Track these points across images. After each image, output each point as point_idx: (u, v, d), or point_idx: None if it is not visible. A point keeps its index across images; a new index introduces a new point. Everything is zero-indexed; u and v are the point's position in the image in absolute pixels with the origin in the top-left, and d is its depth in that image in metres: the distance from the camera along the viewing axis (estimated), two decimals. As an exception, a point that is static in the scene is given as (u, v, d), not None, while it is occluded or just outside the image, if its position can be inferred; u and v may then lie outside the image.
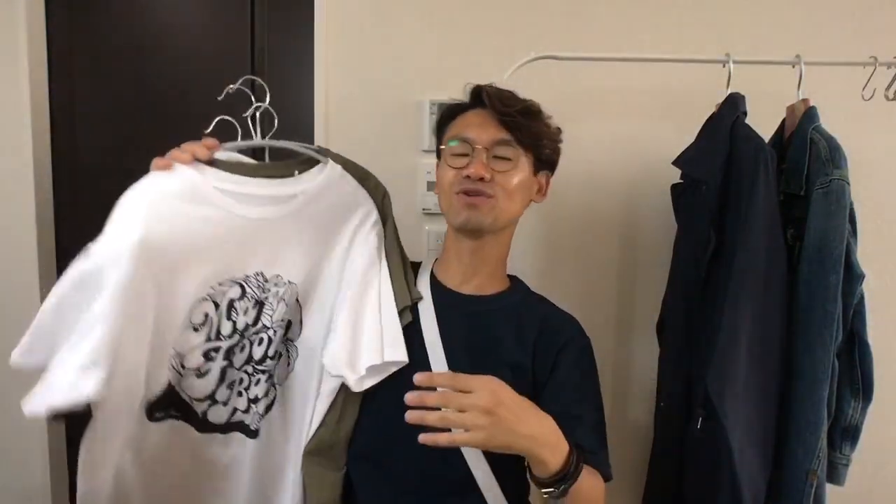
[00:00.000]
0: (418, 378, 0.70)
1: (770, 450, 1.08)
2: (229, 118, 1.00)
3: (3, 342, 1.54)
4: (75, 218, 1.62)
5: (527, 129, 0.90)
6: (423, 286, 0.98)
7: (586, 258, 1.42)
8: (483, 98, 0.92)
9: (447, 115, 0.98)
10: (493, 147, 0.89)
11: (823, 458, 1.07)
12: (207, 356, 0.87)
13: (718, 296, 1.08)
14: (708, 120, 1.18)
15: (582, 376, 0.93)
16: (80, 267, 0.75)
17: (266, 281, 0.90)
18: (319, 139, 1.37)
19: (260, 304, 0.89)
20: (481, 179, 0.87)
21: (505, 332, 0.94)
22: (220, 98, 0.99)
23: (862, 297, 1.10)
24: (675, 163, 1.17)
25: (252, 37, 1.57)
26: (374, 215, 0.96)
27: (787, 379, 1.08)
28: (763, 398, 1.07)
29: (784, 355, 1.08)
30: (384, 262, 0.95)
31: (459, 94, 0.98)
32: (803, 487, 1.05)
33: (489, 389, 0.70)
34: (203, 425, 0.89)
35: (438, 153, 1.00)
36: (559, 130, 0.98)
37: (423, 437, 0.69)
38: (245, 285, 0.88)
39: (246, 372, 0.90)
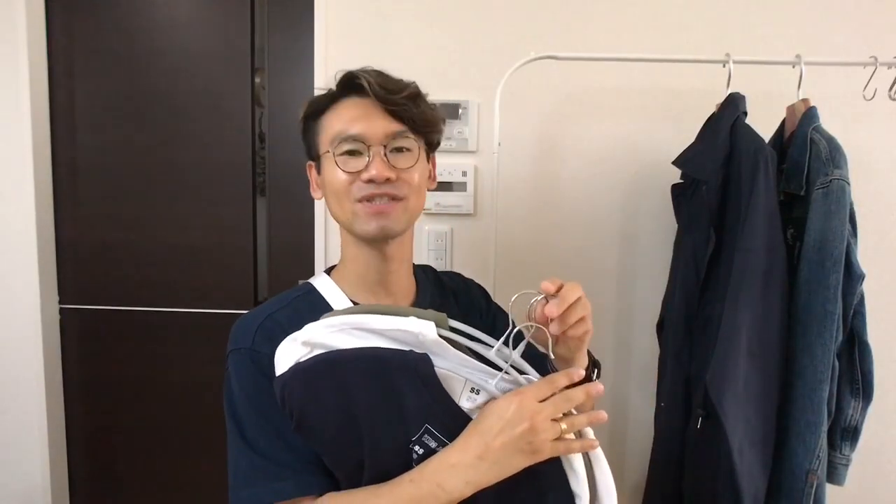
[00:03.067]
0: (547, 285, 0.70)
1: (770, 450, 1.08)
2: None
3: (4, 342, 1.56)
4: (75, 218, 1.62)
5: (419, 115, 0.81)
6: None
7: (586, 258, 1.42)
8: (363, 84, 0.78)
9: (315, 111, 0.83)
10: (390, 141, 0.79)
11: (823, 458, 1.06)
12: None
13: (718, 296, 1.08)
14: (708, 120, 1.18)
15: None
16: None
17: None
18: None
19: None
20: (387, 181, 0.77)
21: None
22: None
23: (862, 297, 1.10)
24: (675, 163, 1.17)
25: (252, 36, 1.57)
26: None
27: (787, 379, 1.08)
28: (763, 398, 1.07)
29: (784, 355, 1.08)
30: None
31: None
32: (803, 487, 1.05)
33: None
34: None
35: (311, 156, 0.86)
36: (439, 109, 0.88)
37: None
38: None
39: None
